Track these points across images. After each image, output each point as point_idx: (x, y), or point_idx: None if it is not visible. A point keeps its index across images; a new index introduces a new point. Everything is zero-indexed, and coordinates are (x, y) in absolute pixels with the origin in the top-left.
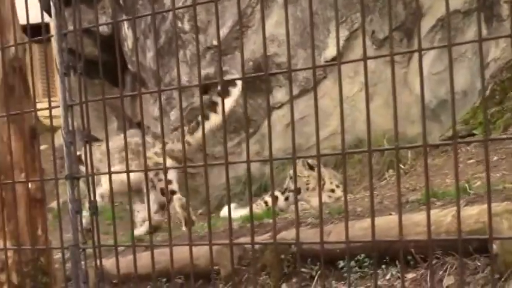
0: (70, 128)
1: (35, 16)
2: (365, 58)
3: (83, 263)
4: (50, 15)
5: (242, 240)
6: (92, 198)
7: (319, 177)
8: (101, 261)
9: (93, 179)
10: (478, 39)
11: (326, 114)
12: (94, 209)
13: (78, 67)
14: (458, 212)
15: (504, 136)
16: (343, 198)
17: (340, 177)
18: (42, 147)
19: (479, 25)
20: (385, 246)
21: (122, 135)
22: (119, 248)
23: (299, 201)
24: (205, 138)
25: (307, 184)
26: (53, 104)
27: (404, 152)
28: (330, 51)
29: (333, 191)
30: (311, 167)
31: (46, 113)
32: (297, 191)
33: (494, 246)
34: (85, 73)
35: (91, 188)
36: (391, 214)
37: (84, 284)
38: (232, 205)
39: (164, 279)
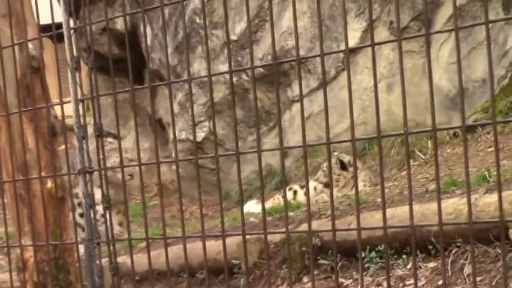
0: (82, 123)
1: (56, 15)
2: (373, 44)
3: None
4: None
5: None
6: (105, 193)
7: (330, 166)
8: (115, 256)
9: (106, 173)
10: (484, 21)
11: (345, 105)
12: (107, 203)
13: (89, 62)
14: (469, 196)
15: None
16: (367, 191)
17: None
18: (63, 146)
19: (486, 9)
20: (404, 236)
21: None
22: (143, 244)
23: (322, 193)
24: (215, 128)
25: (337, 181)
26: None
27: (425, 141)
28: (348, 43)
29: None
30: (343, 167)
31: (67, 112)
32: (331, 185)
33: None
34: (104, 71)
35: (103, 182)
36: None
37: (99, 278)
38: (254, 200)
39: (185, 275)
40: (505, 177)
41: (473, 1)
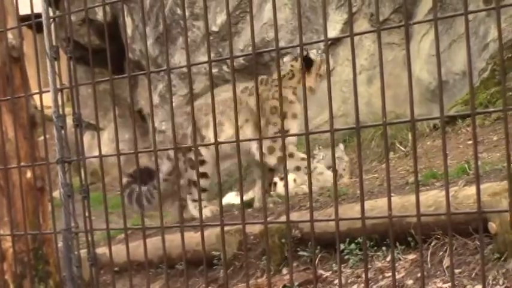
0: (60, 112)
1: (36, 5)
2: (352, 34)
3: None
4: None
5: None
6: (83, 182)
7: (309, 157)
8: (93, 246)
9: (84, 162)
10: (464, 12)
11: (326, 97)
12: (85, 193)
13: (68, 51)
14: (447, 187)
15: (491, 109)
16: (347, 183)
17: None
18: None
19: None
20: (384, 227)
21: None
22: (123, 235)
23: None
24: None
25: (344, 170)
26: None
27: (405, 134)
28: (329, 35)
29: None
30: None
31: (48, 103)
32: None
33: (494, 226)
34: (84, 62)
35: (82, 172)
36: (391, 196)
37: (77, 268)
38: (234, 192)
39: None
40: (485, 170)
41: None
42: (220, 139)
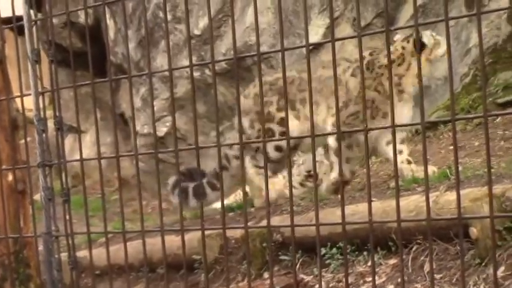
0: (42, 116)
1: (18, 8)
2: (333, 39)
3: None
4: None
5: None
6: (64, 186)
7: (290, 161)
8: (74, 250)
9: (65, 166)
10: (444, 18)
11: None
12: (66, 196)
13: (49, 54)
14: (427, 193)
15: (471, 115)
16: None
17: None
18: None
19: (446, 6)
20: (365, 232)
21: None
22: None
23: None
24: (175, 122)
25: (324, 174)
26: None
27: None
28: (311, 39)
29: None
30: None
31: (30, 105)
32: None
33: (475, 231)
34: (67, 65)
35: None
36: (373, 200)
37: (58, 272)
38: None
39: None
40: (466, 175)
41: None
42: (315, 120)
